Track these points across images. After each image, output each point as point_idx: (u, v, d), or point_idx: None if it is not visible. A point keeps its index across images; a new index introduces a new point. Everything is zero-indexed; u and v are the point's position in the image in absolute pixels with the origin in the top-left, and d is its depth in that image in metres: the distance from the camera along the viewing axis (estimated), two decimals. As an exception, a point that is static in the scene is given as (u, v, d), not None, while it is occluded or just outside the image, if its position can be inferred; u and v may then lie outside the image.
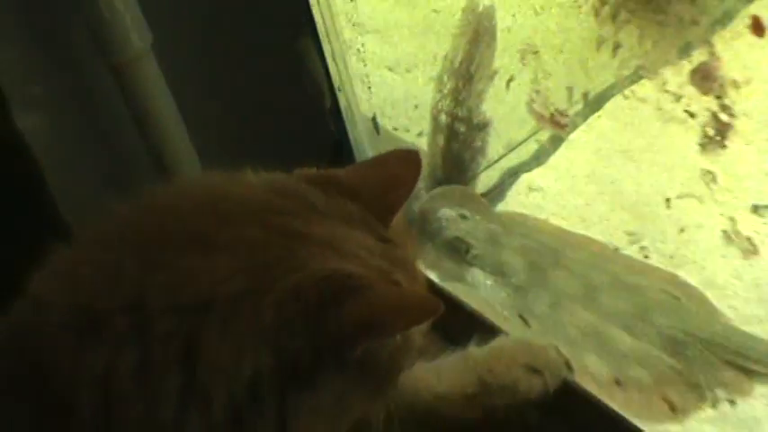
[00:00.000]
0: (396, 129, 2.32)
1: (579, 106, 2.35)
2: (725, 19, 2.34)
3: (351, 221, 1.17)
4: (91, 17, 1.92)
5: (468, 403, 1.59)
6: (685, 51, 2.08)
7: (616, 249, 2.11)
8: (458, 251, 2.05)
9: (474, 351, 1.65)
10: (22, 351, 1.13)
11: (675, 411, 1.80)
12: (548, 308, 1.97)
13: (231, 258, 1.10)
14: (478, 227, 2.11)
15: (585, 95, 2.33)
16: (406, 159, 1.27)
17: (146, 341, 1.07)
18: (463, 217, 2.10)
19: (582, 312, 1.96)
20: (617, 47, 2.19)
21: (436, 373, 1.61)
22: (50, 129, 2.02)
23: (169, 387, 1.07)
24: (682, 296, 2.00)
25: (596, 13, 2.17)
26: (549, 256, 2.08)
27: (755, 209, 2.07)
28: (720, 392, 1.81)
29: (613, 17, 2.17)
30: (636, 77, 2.27)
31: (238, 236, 1.12)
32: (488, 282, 2.01)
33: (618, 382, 1.84)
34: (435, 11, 2.51)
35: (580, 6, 2.17)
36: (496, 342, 1.68)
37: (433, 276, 1.99)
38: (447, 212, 2.11)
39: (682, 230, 2.08)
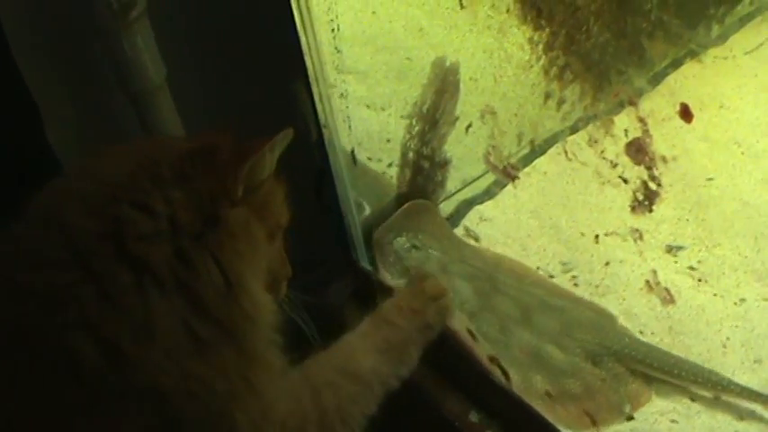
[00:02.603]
0: (370, 158, 2.41)
1: (526, 150, 2.54)
2: (650, 86, 2.61)
3: None
4: (115, 52, 2.05)
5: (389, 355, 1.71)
6: (617, 109, 2.31)
7: (550, 276, 2.26)
8: None
9: (381, 306, 1.82)
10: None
11: (597, 425, 1.93)
12: (498, 332, 2.06)
13: (119, 162, 1.36)
14: (430, 257, 2.20)
15: (532, 142, 2.53)
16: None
17: (86, 262, 1.27)
18: (415, 247, 2.21)
19: (522, 332, 2.07)
20: (561, 102, 2.42)
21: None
22: (77, 144, 2.15)
23: (123, 282, 1.27)
24: (594, 314, 2.15)
25: (546, 73, 2.38)
26: (487, 282, 2.18)
27: (669, 249, 2.27)
28: (627, 406, 1.95)
29: (560, 77, 2.39)
30: (575, 129, 2.48)
31: (121, 156, 1.38)
32: None
33: (558, 396, 1.96)
34: (408, 58, 2.65)
35: (532, 66, 2.36)
36: (396, 293, 1.88)
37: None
38: (401, 242, 2.21)
39: (607, 263, 2.27)
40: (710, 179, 2.47)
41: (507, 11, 2.32)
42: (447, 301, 1.83)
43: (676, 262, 2.26)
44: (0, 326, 1.30)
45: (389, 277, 2.15)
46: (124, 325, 1.27)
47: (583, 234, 2.36)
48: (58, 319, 1.26)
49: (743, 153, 2.57)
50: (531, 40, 2.34)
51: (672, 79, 2.72)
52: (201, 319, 1.32)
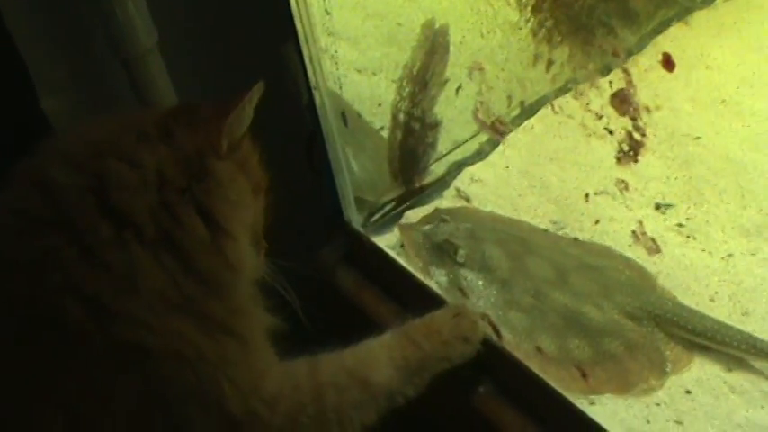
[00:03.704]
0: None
1: (516, 112, 2.55)
2: (638, 47, 2.62)
3: None
4: (107, 17, 2.07)
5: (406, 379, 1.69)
6: (605, 70, 2.27)
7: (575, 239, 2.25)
8: (447, 255, 2.11)
9: (411, 323, 1.79)
10: None
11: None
12: (532, 298, 2.04)
13: (105, 125, 1.41)
14: (459, 227, 2.18)
15: (522, 103, 2.53)
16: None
17: (68, 219, 1.30)
18: (443, 221, 2.20)
19: (558, 295, 2.05)
20: (550, 63, 2.38)
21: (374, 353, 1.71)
22: (70, 111, 2.15)
23: (104, 236, 1.30)
24: (634, 274, 2.14)
25: (534, 34, 2.35)
26: (519, 244, 2.17)
27: (657, 207, 2.30)
28: (668, 365, 1.93)
29: (548, 39, 2.36)
30: (564, 90, 2.46)
31: (108, 120, 1.43)
32: (480, 281, 2.07)
33: (597, 358, 1.92)
34: (399, 24, 2.65)
35: (521, 28, 2.33)
36: (430, 314, 1.82)
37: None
38: (428, 226, 2.20)
39: (596, 222, 2.29)
40: (698, 138, 2.49)
41: (496, -28, 2.30)
42: (474, 346, 1.81)
43: (665, 220, 2.28)
44: None
45: (419, 262, 2.14)
46: (105, 279, 1.29)
47: (573, 193, 2.37)
48: (46, 285, 1.28)
49: (729, 112, 2.58)
50: (519, 2, 2.33)
51: (660, 40, 2.73)
52: (185, 272, 1.35)
